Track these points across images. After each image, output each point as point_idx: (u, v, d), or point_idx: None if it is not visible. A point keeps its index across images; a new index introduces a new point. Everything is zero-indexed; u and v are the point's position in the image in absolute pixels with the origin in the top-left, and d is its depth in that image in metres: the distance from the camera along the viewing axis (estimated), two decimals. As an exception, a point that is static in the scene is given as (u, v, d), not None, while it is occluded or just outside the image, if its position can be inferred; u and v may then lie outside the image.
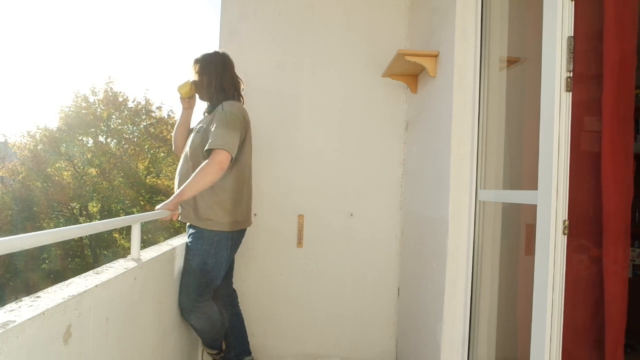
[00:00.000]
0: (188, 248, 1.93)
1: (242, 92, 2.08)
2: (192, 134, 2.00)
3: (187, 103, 2.09)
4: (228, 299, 2.19)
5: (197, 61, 2.01)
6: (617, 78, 1.13)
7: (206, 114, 2.03)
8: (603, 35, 1.14)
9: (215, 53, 2.04)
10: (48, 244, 0.98)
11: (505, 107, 1.66)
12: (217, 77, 1.99)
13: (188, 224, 1.97)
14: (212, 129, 1.85)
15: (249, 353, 2.20)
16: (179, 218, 1.92)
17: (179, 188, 1.88)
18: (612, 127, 1.12)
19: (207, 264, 1.90)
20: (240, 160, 1.95)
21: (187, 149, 1.99)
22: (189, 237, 1.95)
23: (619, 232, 1.11)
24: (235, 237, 1.99)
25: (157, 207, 1.80)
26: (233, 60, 2.07)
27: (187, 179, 1.81)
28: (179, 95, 2.05)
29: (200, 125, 1.98)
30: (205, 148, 1.83)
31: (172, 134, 2.16)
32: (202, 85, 2.00)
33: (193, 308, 1.89)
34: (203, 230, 1.89)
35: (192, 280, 1.89)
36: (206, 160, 1.81)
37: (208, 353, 2.14)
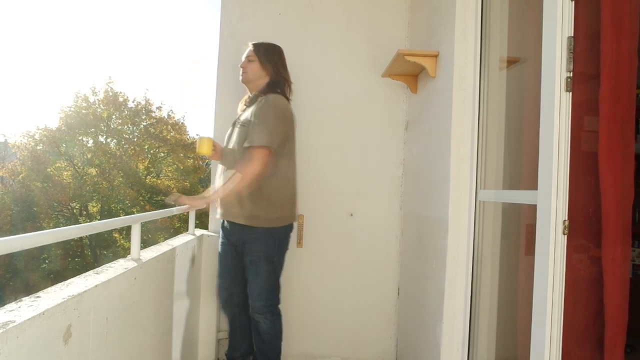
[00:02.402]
0: (249, 250, 1.91)
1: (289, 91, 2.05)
2: (237, 128, 1.96)
3: (214, 156, 2.05)
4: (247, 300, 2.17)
5: (261, 45, 2.00)
6: (615, 78, 1.13)
7: (248, 105, 1.99)
8: (600, 34, 1.14)
9: (277, 46, 2.03)
10: (48, 244, 0.98)
11: (505, 107, 1.66)
12: (276, 70, 1.97)
13: (230, 223, 1.96)
14: (253, 124, 1.83)
15: (252, 352, 2.20)
16: (223, 217, 1.94)
17: (224, 184, 1.90)
18: (609, 126, 1.12)
19: (273, 262, 1.94)
20: (286, 156, 1.94)
21: (233, 143, 1.96)
22: (241, 237, 1.93)
23: (617, 230, 1.11)
24: (289, 231, 2.02)
25: (191, 200, 1.86)
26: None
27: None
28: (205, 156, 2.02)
29: (245, 118, 1.94)
30: (245, 144, 1.84)
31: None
32: (263, 74, 1.97)
33: (270, 310, 1.96)
34: (260, 228, 1.89)
35: (266, 282, 1.92)
36: (246, 159, 1.82)
37: None
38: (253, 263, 1.92)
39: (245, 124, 1.91)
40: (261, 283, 1.92)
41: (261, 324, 1.96)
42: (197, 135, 2.18)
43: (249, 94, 2.05)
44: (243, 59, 2.02)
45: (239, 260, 2.02)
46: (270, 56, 1.99)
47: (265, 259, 1.92)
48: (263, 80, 1.97)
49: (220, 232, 2.09)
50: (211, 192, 1.97)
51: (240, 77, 2.02)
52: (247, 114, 1.94)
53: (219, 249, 2.09)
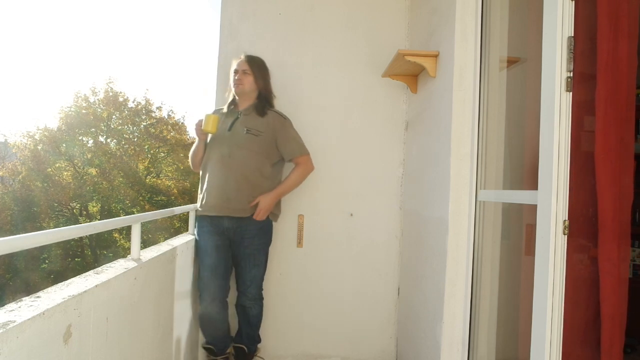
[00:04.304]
0: (249, 243, 2.09)
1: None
2: (244, 133, 2.07)
3: (206, 135, 2.13)
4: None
5: (255, 60, 2.15)
6: (613, 77, 1.12)
7: (246, 114, 2.11)
8: (596, 34, 1.14)
9: (264, 61, 2.20)
10: (48, 244, 0.98)
11: (505, 107, 1.66)
12: (266, 85, 2.17)
13: (232, 219, 2.07)
14: (288, 137, 2.13)
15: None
16: (233, 213, 2.06)
17: (252, 187, 2.06)
18: (606, 126, 1.12)
19: (267, 252, 2.20)
20: (280, 162, 2.22)
21: (243, 148, 2.05)
22: (243, 231, 2.08)
23: (614, 230, 1.11)
24: None
25: (261, 203, 2.06)
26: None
27: (259, 177, 2.07)
28: (207, 133, 2.06)
29: (253, 127, 2.08)
30: (291, 157, 2.14)
31: (192, 158, 2.20)
32: (255, 88, 2.13)
33: (261, 296, 2.20)
34: (263, 222, 2.11)
35: (262, 271, 2.17)
36: (300, 165, 2.16)
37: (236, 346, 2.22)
38: (253, 254, 2.11)
39: (256, 133, 2.07)
40: (259, 272, 2.15)
41: (252, 310, 2.16)
42: (204, 113, 2.23)
43: (235, 100, 2.17)
44: (236, 68, 2.12)
45: (230, 255, 2.15)
46: (262, 72, 2.15)
47: (264, 250, 2.17)
48: (254, 93, 2.14)
49: (207, 230, 2.11)
50: (278, 188, 2.14)
51: (235, 88, 2.12)
52: (259, 124, 2.09)
53: (209, 247, 2.10)
